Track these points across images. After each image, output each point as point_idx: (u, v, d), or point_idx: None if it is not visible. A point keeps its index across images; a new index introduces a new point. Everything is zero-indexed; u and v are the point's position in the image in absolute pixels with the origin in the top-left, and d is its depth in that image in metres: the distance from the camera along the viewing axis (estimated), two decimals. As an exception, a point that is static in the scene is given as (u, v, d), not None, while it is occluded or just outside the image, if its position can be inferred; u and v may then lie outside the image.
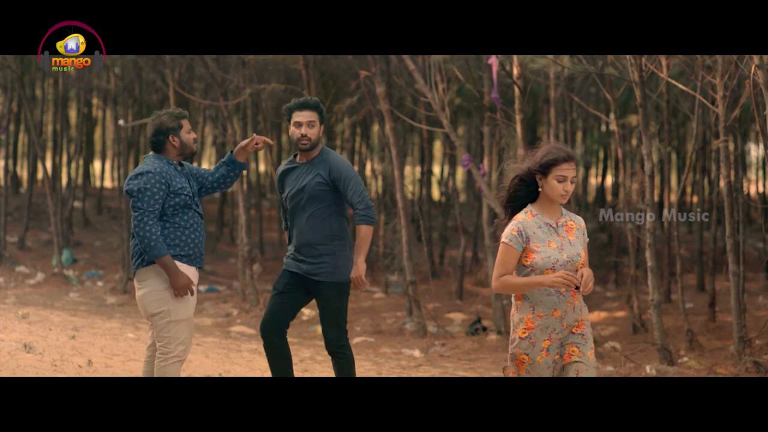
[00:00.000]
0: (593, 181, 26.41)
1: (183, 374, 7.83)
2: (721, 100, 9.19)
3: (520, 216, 4.76)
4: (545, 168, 4.70)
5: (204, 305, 13.85)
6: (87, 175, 23.59)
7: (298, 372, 8.66)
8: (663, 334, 9.35)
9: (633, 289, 11.73)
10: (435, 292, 14.45)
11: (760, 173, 24.93)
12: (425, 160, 18.22)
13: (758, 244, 17.87)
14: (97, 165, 28.31)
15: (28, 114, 16.88)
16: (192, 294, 5.72)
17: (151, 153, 5.84)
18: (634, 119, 15.45)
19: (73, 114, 23.90)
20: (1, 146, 21.46)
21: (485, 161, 11.88)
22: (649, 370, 9.12)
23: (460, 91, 15.42)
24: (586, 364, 4.69)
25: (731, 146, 10.96)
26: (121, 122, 17.71)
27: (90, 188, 24.65)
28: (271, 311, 6.23)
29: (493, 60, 10.66)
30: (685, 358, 9.80)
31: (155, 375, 5.71)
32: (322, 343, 6.44)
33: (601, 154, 21.36)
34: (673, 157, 21.19)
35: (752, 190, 25.29)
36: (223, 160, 6.10)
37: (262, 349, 7.28)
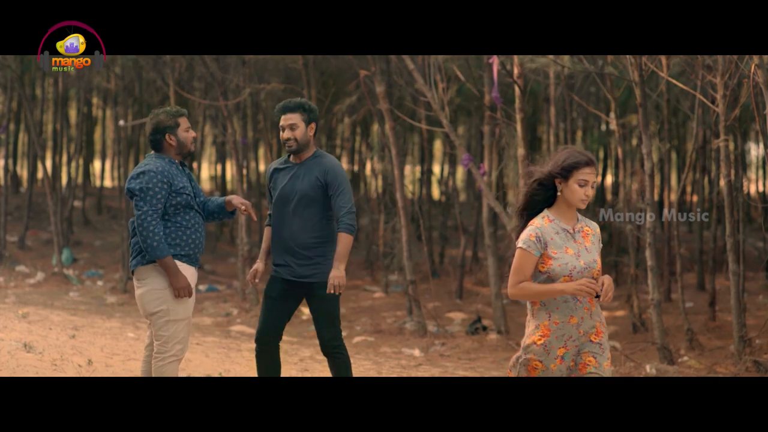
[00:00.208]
0: (593, 180, 26.36)
1: (183, 373, 7.83)
2: (721, 99, 9.19)
3: (538, 221, 4.66)
4: (567, 171, 4.62)
5: (204, 305, 13.85)
6: (87, 174, 23.61)
7: (298, 372, 8.68)
8: (663, 333, 9.35)
9: (633, 289, 11.74)
10: (435, 292, 14.45)
11: (760, 172, 24.94)
12: (425, 159, 18.23)
13: (758, 244, 17.89)
14: (97, 164, 28.30)
15: (28, 113, 16.87)
16: (191, 294, 5.72)
17: (152, 152, 5.82)
18: (634, 118, 15.45)
19: (73, 113, 23.89)
20: (1, 146, 21.45)
21: (485, 161, 11.89)
22: (649, 370, 9.12)
23: (460, 90, 15.40)
24: (602, 376, 4.63)
25: (731, 145, 10.93)
26: (121, 122, 17.72)
27: (90, 188, 24.66)
28: (268, 317, 6.21)
29: (494, 59, 10.65)
30: (685, 358, 9.80)
31: (153, 374, 5.71)
32: (319, 343, 6.44)
33: (601, 154, 21.35)
34: (673, 156, 21.19)
35: (752, 190, 25.31)
36: (217, 201, 6.00)
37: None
